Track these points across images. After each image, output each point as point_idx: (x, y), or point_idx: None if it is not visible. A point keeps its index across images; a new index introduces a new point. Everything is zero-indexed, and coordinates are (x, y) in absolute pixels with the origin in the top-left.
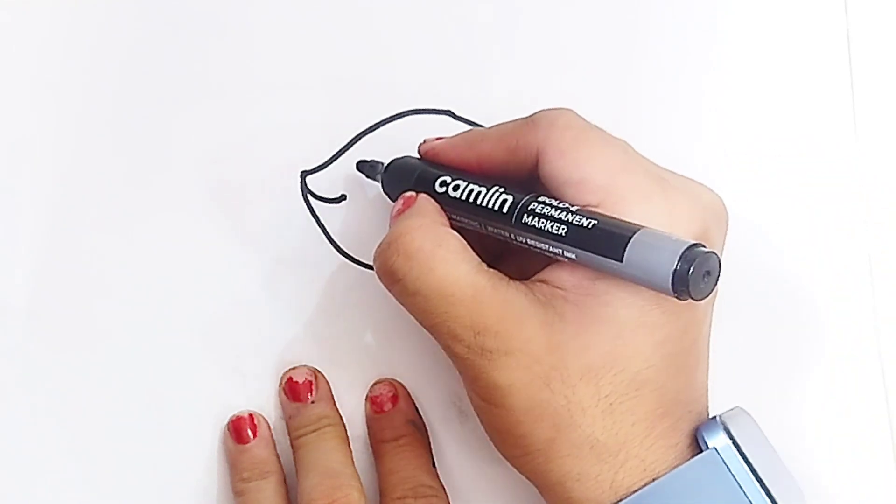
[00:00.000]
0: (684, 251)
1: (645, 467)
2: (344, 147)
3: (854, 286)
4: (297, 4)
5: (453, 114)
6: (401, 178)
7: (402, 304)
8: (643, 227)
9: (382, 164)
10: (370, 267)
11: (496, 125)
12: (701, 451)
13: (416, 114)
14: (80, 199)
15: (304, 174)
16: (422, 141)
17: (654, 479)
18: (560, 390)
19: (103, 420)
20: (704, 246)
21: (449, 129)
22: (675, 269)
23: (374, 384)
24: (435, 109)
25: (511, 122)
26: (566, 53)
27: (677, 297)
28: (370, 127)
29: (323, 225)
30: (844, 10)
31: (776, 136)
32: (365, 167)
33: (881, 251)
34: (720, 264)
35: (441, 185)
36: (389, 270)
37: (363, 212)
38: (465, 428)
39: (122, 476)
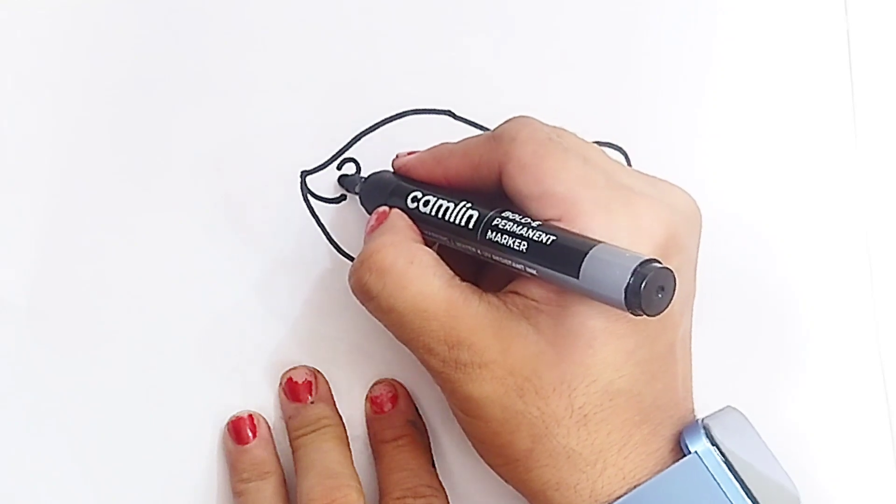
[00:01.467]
0: (636, 267)
1: (624, 475)
2: (344, 147)
3: (854, 286)
4: (296, 4)
5: (453, 114)
6: (377, 193)
7: (377, 319)
8: (601, 242)
9: (362, 178)
10: None
11: (463, 140)
12: (684, 456)
13: (416, 114)
14: (80, 199)
15: (304, 174)
16: (395, 156)
17: (634, 487)
18: (533, 402)
19: (103, 420)
20: (659, 262)
21: (449, 129)
22: (628, 285)
23: (374, 384)
24: (435, 109)
25: (476, 137)
26: (566, 53)
27: (631, 313)
28: (370, 127)
29: (323, 225)
30: (844, 10)
31: (776, 135)
32: (345, 181)
33: (881, 251)
34: (675, 280)
35: (412, 200)
36: (363, 288)
37: (363, 212)
38: None
39: (122, 476)
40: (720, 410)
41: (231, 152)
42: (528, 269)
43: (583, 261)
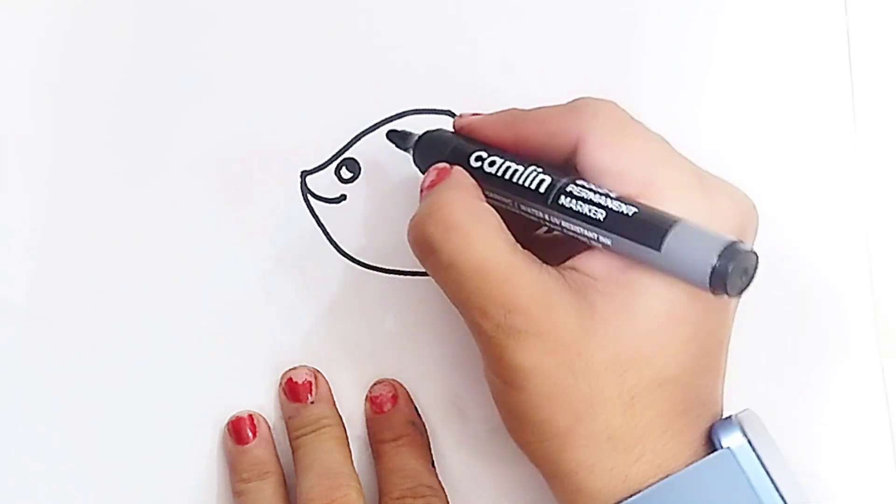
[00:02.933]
0: (725, 247)
1: (660, 462)
2: (344, 147)
3: (854, 286)
4: (296, 4)
5: (453, 114)
6: (434, 150)
7: (433, 275)
8: (683, 219)
9: (415, 134)
10: (370, 267)
11: (537, 108)
12: (714, 450)
13: (416, 114)
14: (80, 199)
15: (304, 174)
16: (458, 115)
17: (667, 476)
18: (584, 378)
19: (103, 420)
20: (744, 243)
21: (449, 129)
22: (715, 265)
23: (374, 384)
24: (435, 109)
25: (552, 106)
26: (566, 53)
27: (713, 292)
28: (370, 127)
29: (323, 225)
30: (844, 10)
31: (776, 135)
32: (396, 137)
33: (881, 251)
34: (757, 264)
35: (477, 159)
36: (426, 240)
37: (363, 212)
38: (465, 428)
39: (122, 476)
40: (744, 411)
41: (231, 152)
42: (603, 239)
43: (666, 235)
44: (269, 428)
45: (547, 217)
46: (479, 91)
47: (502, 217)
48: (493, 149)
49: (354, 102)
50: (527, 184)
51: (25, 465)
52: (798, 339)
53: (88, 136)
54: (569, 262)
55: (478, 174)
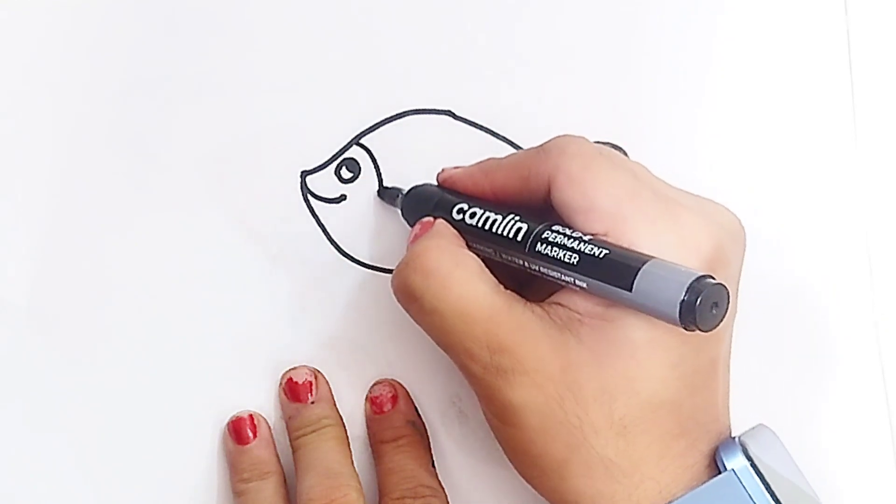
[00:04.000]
0: (691, 283)
1: (660, 489)
2: (344, 147)
3: (854, 286)
4: (296, 4)
5: (453, 114)
6: (420, 205)
7: (418, 322)
8: (653, 257)
9: (402, 190)
10: (370, 267)
11: (510, 154)
12: (719, 472)
13: (416, 114)
14: (79, 199)
15: (304, 174)
16: (440, 169)
17: (669, 501)
18: (573, 410)
19: (103, 420)
20: (713, 277)
21: (449, 129)
22: (683, 300)
23: (374, 384)
24: (435, 109)
25: (524, 150)
26: (566, 53)
27: (684, 328)
28: (370, 127)
29: (323, 225)
30: (844, 10)
31: (776, 135)
32: (385, 194)
33: (881, 251)
34: (728, 296)
35: (458, 212)
36: (407, 289)
37: (363, 212)
38: (465, 428)
39: (122, 476)
40: (753, 428)
41: (231, 152)
42: (578, 282)
43: (636, 275)
44: (270, 428)
45: (526, 264)
46: (479, 91)
47: (489, 265)
48: (474, 200)
49: (354, 102)
50: (505, 233)
51: (26, 465)
52: (798, 339)
53: (88, 136)
54: (553, 297)
55: (460, 226)
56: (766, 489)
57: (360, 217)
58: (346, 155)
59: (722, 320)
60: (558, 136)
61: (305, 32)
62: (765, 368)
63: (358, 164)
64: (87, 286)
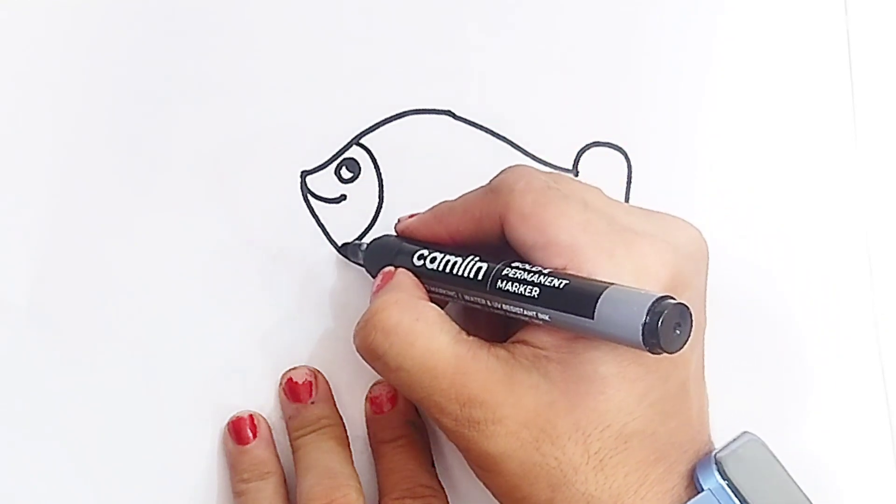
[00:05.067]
0: (651, 304)
1: None
2: (344, 147)
3: (854, 286)
4: (296, 4)
5: (453, 114)
6: (381, 256)
7: (386, 379)
8: (613, 284)
9: (363, 244)
10: None
11: (461, 196)
12: (698, 493)
13: (416, 114)
14: (79, 199)
15: (304, 174)
16: (396, 220)
17: None
18: (550, 452)
19: (103, 420)
20: (673, 298)
21: (449, 129)
22: (645, 323)
23: (374, 385)
24: (435, 109)
25: (474, 191)
26: (566, 53)
27: (650, 352)
28: (370, 127)
29: (323, 225)
30: (844, 10)
31: (776, 136)
32: (347, 250)
33: (881, 251)
34: (691, 315)
35: (419, 258)
36: (369, 348)
37: (363, 212)
38: None
39: (122, 476)
40: (735, 440)
41: (231, 152)
42: (541, 316)
43: (597, 302)
44: (270, 428)
45: (488, 303)
46: (479, 91)
47: (454, 308)
48: (434, 245)
49: (354, 102)
50: (465, 274)
51: (25, 465)
52: (798, 339)
53: (88, 136)
54: (517, 335)
55: (422, 272)
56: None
57: (360, 217)
58: (346, 155)
59: (687, 340)
60: (506, 171)
61: (305, 32)
62: (764, 368)
63: (358, 164)
64: (87, 286)
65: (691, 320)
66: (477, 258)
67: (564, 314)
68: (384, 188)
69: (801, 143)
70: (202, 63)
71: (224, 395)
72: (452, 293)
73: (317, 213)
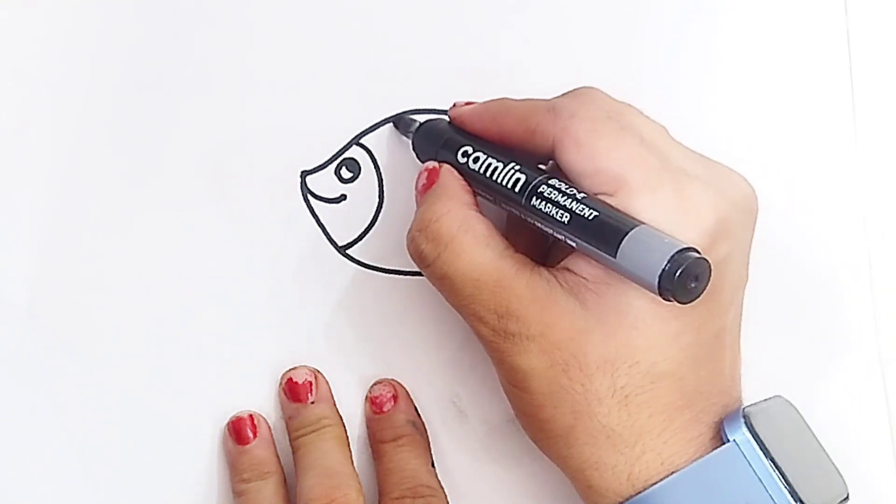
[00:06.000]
0: (674, 254)
1: (662, 460)
2: (344, 147)
3: (854, 286)
4: (296, 4)
5: None
6: (429, 141)
7: (432, 284)
8: (643, 224)
9: (417, 122)
10: (370, 267)
11: (522, 100)
12: (724, 444)
13: (416, 114)
14: (79, 199)
15: (304, 174)
16: (452, 104)
17: (672, 473)
18: (577, 378)
19: (103, 420)
20: (698, 251)
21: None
22: (663, 271)
23: (374, 384)
24: (435, 109)
25: (535, 102)
26: (566, 52)
27: (663, 298)
28: (370, 127)
29: (323, 225)
30: (844, 10)
31: (776, 135)
32: (400, 123)
33: (881, 251)
34: (710, 271)
35: (463, 154)
36: (420, 255)
37: (363, 212)
38: (465, 428)
39: (122, 476)
40: (766, 400)
41: (231, 152)
42: (569, 241)
43: (622, 240)
44: (270, 428)
45: (524, 216)
46: (480, 91)
47: (513, 219)
48: (480, 142)
49: (354, 102)
50: (504, 182)
51: (26, 465)
52: (798, 339)
53: (88, 136)
54: (563, 263)
55: (464, 169)
56: (770, 460)
57: (360, 217)
58: (346, 155)
59: (700, 294)
60: (572, 92)
61: (305, 32)
62: (764, 368)
63: (358, 164)
64: (87, 286)
65: (709, 275)
66: (518, 167)
67: (589, 246)
68: (384, 188)
69: (802, 143)
70: (202, 63)
71: (224, 395)
72: (490, 198)
73: (317, 213)
